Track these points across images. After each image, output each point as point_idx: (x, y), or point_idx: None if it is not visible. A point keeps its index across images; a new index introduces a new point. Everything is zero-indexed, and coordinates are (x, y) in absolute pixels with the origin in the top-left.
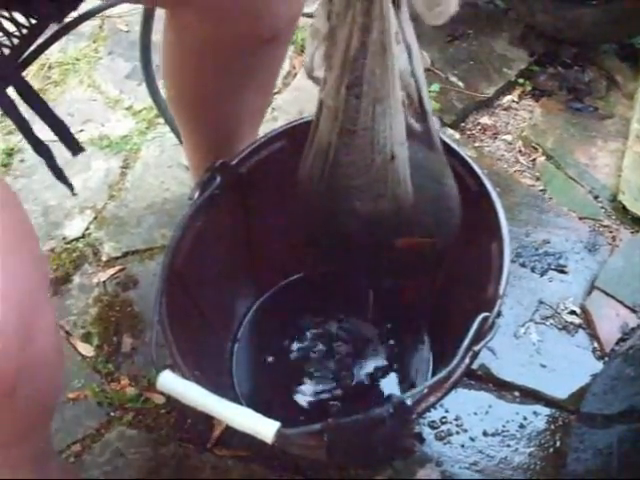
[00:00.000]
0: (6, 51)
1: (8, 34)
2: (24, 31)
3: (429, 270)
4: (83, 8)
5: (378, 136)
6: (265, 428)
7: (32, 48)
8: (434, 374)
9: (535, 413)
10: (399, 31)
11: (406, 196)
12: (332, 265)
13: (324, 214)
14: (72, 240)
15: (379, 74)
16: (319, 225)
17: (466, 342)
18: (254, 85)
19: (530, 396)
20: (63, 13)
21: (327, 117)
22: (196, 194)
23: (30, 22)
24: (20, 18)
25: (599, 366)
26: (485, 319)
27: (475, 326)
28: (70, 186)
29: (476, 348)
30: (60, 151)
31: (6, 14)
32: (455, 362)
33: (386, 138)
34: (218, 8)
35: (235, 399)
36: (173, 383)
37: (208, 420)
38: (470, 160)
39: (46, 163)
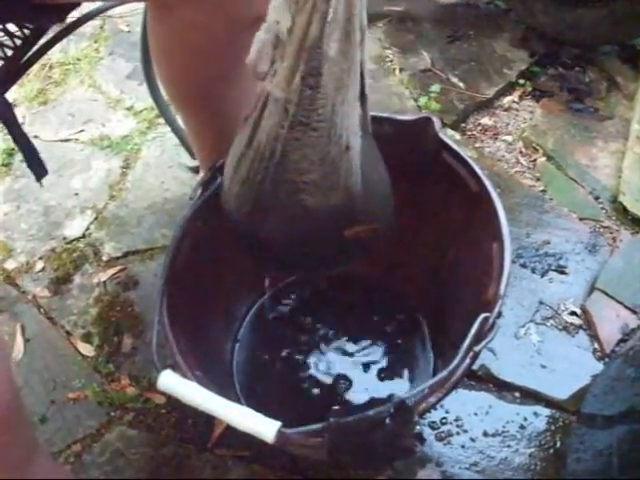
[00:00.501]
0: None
1: (10, 34)
2: (18, 42)
3: (372, 254)
4: (84, 9)
5: (336, 127)
6: (265, 428)
7: (34, 49)
8: (435, 374)
9: (535, 414)
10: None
11: (356, 187)
12: (277, 261)
13: (268, 213)
14: (73, 240)
15: (342, 62)
16: (263, 224)
17: (467, 342)
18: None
19: (530, 397)
20: (60, 17)
21: (274, 111)
22: (197, 194)
23: (24, 32)
24: (13, 27)
25: (599, 367)
26: (486, 319)
27: (476, 326)
28: (40, 182)
29: (477, 348)
30: (60, 151)
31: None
32: (456, 362)
33: (343, 129)
34: None
35: (235, 399)
36: (174, 383)
37: (209, 420)
38: (471, 161)
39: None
